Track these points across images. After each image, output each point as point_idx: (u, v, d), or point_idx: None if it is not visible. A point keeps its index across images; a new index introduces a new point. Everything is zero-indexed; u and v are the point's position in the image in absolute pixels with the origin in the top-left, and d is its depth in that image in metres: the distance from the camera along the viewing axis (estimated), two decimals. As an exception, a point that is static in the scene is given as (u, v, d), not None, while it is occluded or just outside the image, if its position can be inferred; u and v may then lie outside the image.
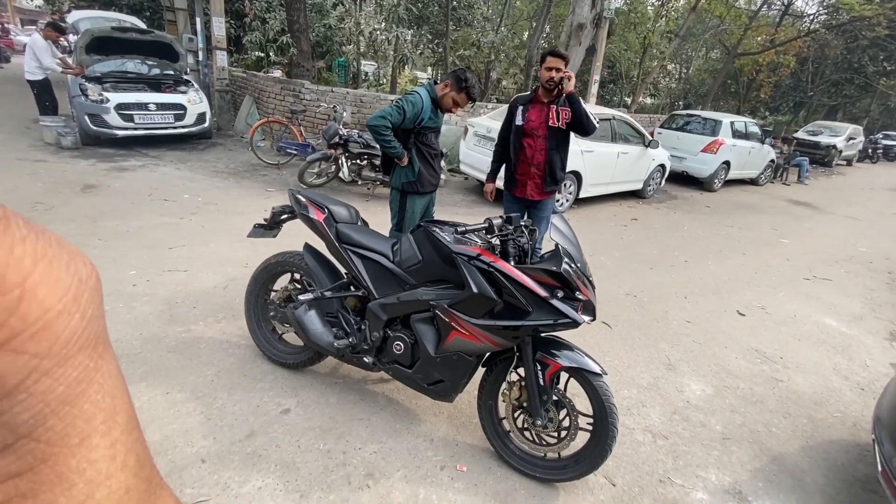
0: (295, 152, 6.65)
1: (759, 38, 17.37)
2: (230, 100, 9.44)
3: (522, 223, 1.85)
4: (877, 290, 4.78)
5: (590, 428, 1.83)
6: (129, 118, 6.40)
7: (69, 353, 0.20)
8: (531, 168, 3.08)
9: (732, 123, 9.28)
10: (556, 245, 1.72)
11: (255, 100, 8.85)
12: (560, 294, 1.66)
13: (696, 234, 6.22)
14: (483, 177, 6.26)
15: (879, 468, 1.80)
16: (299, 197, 2.22)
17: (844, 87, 19.54)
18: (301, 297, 2.03)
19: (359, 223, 2.28)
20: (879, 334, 3.80)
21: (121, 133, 6.37)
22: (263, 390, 2.24)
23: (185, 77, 7.58)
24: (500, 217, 1.85)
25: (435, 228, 1.89)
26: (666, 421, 2.44)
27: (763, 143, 9.99)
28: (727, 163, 9.14)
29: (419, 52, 10.36)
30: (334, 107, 6.75)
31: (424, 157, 2.78)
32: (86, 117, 6.15)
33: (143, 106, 6.50)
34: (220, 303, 2.98)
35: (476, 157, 6.37)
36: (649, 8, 15.34)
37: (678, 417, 2.48)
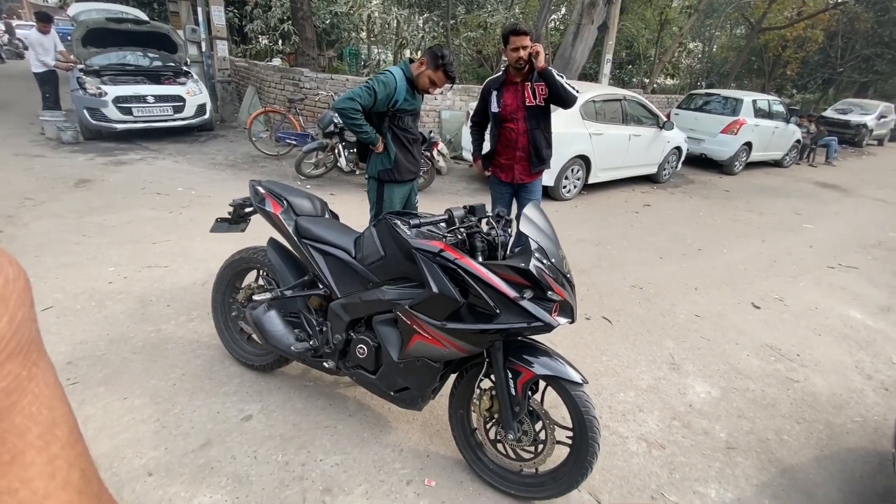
0: (294, 142, 6.52)
1: (785, 13, 16.41)
2: (233, 90, 9.36)
3: (492, 213, 1.65)
4: (909, 279, 4.41)
5: (569, 442, 1.65)
6: (128, 111, 6.35)
7: None
8: (516, 152, 2.87)
9: (755, 102, 8.76)
10: (526, 239, 1.52)
11: (258, 90, 8.73)
12: (529, 294, 1.46)
13: (712, 220, 5.87)
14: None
15: (903, 489, 1.57)
16: (258, 188, 2.07)
17: (875, 63, 18.33)
18: (257, 297, 1.88)
19: (326, 216, 2.12)
20: (910, 328, 3.48)
21: (120, 126, 6.34)
22: (227, 395, 2.11)
23: (185, 68, 7.50)
24: (463, 207, 1.66)
25: (397, 221, 1.70)
26: (664, 428, 2.23)
27: (788, 122, 9.42)
28: (749, 144, 8.64)
29: (420, 35, 10.04)
30: (332, 95, 6.58)
31: (401, 142, 2.58)
32: (85, 111, 6.12)
33: (141, 98, 6.44)
34: (196, 300, 2.87)
35: (478, 144, 6.13)
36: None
37: (678, 424, 2.27)
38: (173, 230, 3.88)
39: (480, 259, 1.57)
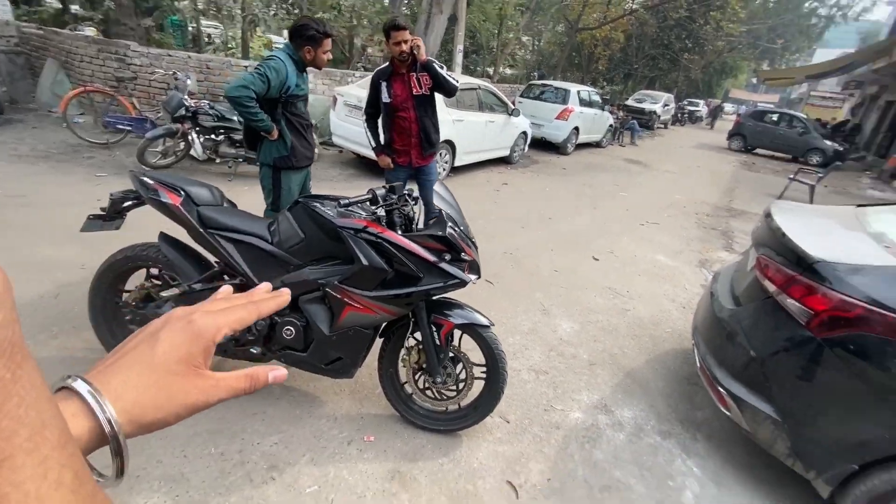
0: (128, 128, 5.64)
1: (594, 15, 19.47)
2: (24, 64, 7.54)
3: (406, 191, 1.87)
4: (689, 229, 5.94)
5: (484, 376, 1.99)
6: None
7: None
8: (411, 138, 3.11)
9: (579, 92, 10.38)
10: (440, 211, 1.78)
11: (63, 64, 7.18)
12: (447, 257, 1.73)
13: (556, 193, 6.94)
14: (358, 148, 6.12)
15: (698, 364, 2.30)
16: (145, 179, 1.91)
17: (659, 61, 23.13)
18: (165, 294, 1.79)
19: (224, 204, 2.06)
20: (692, 263, 4.76)
21: None
22: (130, 404, 1.95)
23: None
24: (384, 187, 1.84)
25: (315, 204, 1.80)
26: (545, 358, 2.77)
27: (603, 109, 11.41)
28: (577, 128, 10.26)
29: (272, 12, 9.37)
30: (174, 73, 5.84)
31: (296, 128, 2.58)
32: None
33: None
34: (53, 314, 2.47)
35: (349, 129, 6.13)
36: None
37: (554, 354, 2.83)
38: (-13, 238, 3.15)
39: (399, 232, 1.78)
